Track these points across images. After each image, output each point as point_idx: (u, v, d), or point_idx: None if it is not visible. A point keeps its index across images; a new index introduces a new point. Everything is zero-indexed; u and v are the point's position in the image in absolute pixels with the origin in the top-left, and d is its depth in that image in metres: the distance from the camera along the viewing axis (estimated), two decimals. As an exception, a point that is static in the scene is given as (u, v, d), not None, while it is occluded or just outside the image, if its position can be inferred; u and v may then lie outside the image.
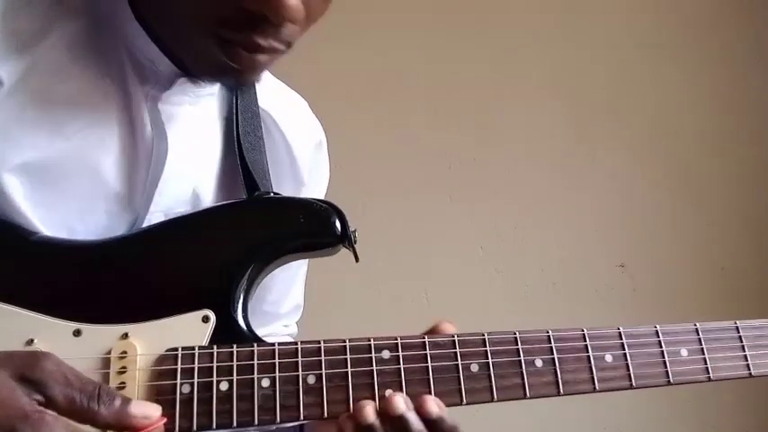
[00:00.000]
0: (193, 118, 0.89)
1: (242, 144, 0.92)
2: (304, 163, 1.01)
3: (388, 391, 0.73)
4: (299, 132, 1.01)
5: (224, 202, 0.85)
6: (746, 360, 0.81)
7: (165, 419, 0.68)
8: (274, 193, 0.90)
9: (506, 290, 2.22)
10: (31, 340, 0.71)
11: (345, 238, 0.81)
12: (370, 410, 0.72)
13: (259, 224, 0.81)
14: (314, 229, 0.81)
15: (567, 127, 2.32)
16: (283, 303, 1.09)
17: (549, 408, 2.13)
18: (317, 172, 1.05)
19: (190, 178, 0.89)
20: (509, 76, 2.30)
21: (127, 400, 0.65)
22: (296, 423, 0.74)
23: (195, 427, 0.71)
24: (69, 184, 0.80)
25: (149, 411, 0.67)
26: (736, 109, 2.40)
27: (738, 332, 0.82)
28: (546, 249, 2.28)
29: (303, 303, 1.14)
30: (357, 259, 0.82)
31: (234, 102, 0.94)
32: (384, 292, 2.11)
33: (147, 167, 0.85)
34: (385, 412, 0.72)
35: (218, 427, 0.71)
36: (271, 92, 1.00)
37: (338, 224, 0.81)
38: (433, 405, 0.73)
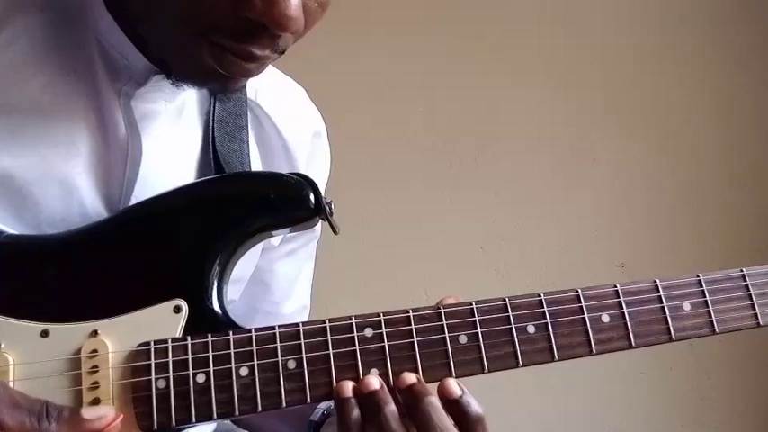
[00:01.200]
0: (170, 115, 0.85)
1: (215, 136, 0.88)
2: (300, 155, 0.98)
3: (374, 371, 0.69)
4: (293, 123, 0.98)
5: (189, 182, 0.80)
6: (754, 309, 0.75)
7: (120, 416, 0.66)
8: None
9: (506, 290, 2.15)
10: (-2, 345, 0.68)
11: (321, 211, 0.76)
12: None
13: (226, 203, 0.76)
14: (286, 203, 0.76)
15: (567, 127, 2.30)
16: (286, 303, 1.05)
17: (549, 407, 2.12)
18: (316, 163, 1.02)
19: (169, 178, 0.83)
20: (509, 76, 2.28)
21: (76, 409, 0.64)
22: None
23: (174, 423, 0.68)
24: (37, 191, 0.75)
25: (102, 412, 0.65)
26: (736, 109, 2.37)
27: (745, 280, 0.77)
28: (546, 249, 2.25)
29: (310, 304, 1.10)
30: (335, 232, 0.78)
31: (213, 94, 0.90)
32: (384, 292, 2.08)
33: (123, 169, 0.81)
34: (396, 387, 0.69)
35: (197, 421, 0.68)
36: (263, 83, 0.96)
37: (312, 196, 0.76)
38: (455, 385, 0.69)
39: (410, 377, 0.69)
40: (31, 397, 0.63)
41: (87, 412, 0.64)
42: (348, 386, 0.68)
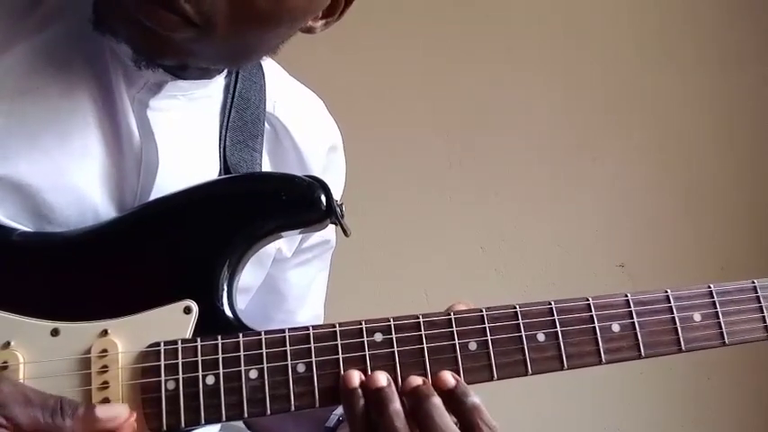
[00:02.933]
0: (186, 124, 0.85)
1: (226, 145, 0.88)
2: (315, 168, 0.98)
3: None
4: (310, 135, 0.98)
5: (201, 182, 0.80)
6: (765, 321, 0.75)
7: (134, 415, 0.66)
8: None
9: (506, 290, 2.19)
10: (8, 342, 0.68)
11: (331, 213, 0.76)
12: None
13: (237, 204, 0.77)
14: (297, 205, 0.76)
15: (567, 127, 2.30)
16: (299, 312, 1.06)
17: (549, 407, 2.13)
18: (330, 176, 1.00)
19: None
20: (510, 76, 2.29)
21: (91, 406, 0.64)
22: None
23: (183, 424, 0.68)
24: (52, 198, 0.76)
25: (116, 411, 0.65)
26: (736, 109, 2.38)
27: (756, 292, 0.76)
28: (546, 249, 2.26)
29: (323, 314, 1.10)
30: (347, 234, 0.79)
31: (230, 102, 0.90)
32: (384, 292, 2.08)
33: (137, 177, 0.81)
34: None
35: (206, 423, 0.68)
36: (285, 95, 0.97)
37: (323, 199, 0.76)
38: (449, 376, 0.69)
39: (415, 380, 0.69)
40: (45, 393, 0.63)
41: (102, 411, 0.64)
42: (355, 377, 0.68)
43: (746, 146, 2.37)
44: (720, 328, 0.74)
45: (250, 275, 0.90)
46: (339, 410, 0.89)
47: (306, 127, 0.97)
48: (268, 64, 0.96)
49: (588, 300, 0.73)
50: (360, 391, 0.67)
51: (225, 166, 0.87)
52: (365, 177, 2.04)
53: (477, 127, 2.25)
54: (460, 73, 2.25)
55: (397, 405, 0.67)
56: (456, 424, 0.67)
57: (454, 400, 0.68)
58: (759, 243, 2.32)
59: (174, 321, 0.71)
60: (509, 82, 2.28)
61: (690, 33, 2.39)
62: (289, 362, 0.69)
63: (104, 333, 0.69)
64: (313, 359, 0.69)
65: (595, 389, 2.17)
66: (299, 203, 0.76)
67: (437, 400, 0.67)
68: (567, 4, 2.35)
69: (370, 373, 0.69)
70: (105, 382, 0.68)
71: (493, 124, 2.26)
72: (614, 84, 2.33)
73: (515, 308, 0.72)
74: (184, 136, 0.85)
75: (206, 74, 0.85)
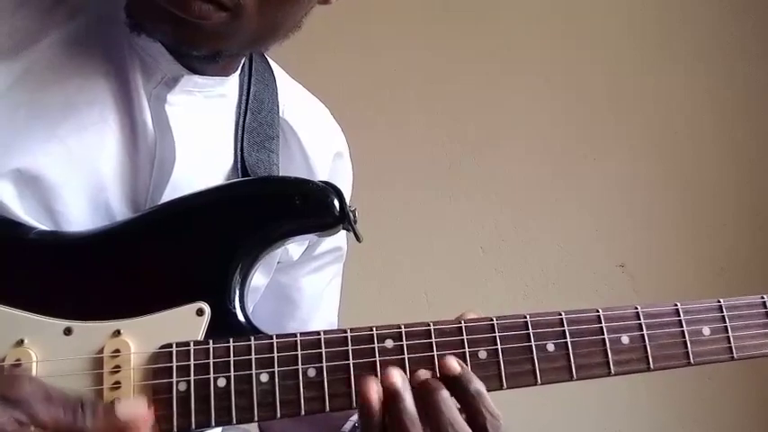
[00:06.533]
0: (202, 121, 0.86)
1: (243, 146, 0.89)
2: (322, 174, 0.98)
3: (397, 370, 0.69)
4: (317, 142, 0.99)
5: (215, 185, 0.81)
6: (773, 337, 0.76)
7: (153, 413, 0.66)
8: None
9: (506, 290, 2.20)
10: (21, 341, 0.69)
11: (344, 219, 0.77)
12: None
13: (252, 207, 0.77)
14: (310, 210, 0.77)
15: (567, 127, 2.31)
16: (312, 320, 1.05)
17: (549, 408, 2.12)
18: (337, 182, 1.01)
19: (200, 185, 0.83)
20: (510, 76, 2.29)
21: (110, 406, 0.64)
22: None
23: (194, 426, 0.68)
24: (66, 192, 0.77)
25: (136, 409, 0.65)
26: (736, 109, 2.39)
27: (765, 307, 0.77)
28: (546, 249, 2.26)
29: (337, 322, 1.10)
30: (359, 240, 0.79)
31: (245, 103, 0.91)
32: (384, 293, 2.09)
33: (150, 171, 0.82)
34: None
35: (217, 425, 0.69)
36: (293, 100, 0.98)
37: (336, 204, 0.77)
38: (454, 362, 0.69)
39: (424, 373, 0.69)
40: (65, 392, 0.63)
41: (122, 408, 0.64)
42: (373, 388, 0.67)
43: (747, 146, 2.38)
44: (729, 342, 0.75)
45: (258, 277, 0.90)
46: (355, 416, 0.90)
47: (313, 133, 0.98)
48: (276, 68, 0.98)
49: (598, 311, 0.74)
50: (377, 396, 0.67)
51: (242, 167, 0.88)
52: (365, 178, 2.04)
53: (477, 127, 2.26)
54: (460, 73, 2.26)
55: (411, 407, 0.66)
56: (459, 410, 0.67)
57: (459, 387, 0.68)
58: (759, 243, 2.33)
59: (186, 323, 0.71)
60: (509, 82, 2.29)
61: (690, 33, 2.39)
62: (300, 366, 0.69)
63: (117, 333, 0.70)
64: (324, 364, 0.70)
65: (596, 390, 2.16)
66: (313, 208, 0.77)
67: (445, 394, 0.67)
68: (566, 4, 2.35)
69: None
70: (117, 383, 0.68)
71: (493, 124, 2.27)
72: (614, 84, 2.34)
73: (525, 318, 0.73)
74: (200, 133, 0.86)
75: (225, 69, 0.87)
